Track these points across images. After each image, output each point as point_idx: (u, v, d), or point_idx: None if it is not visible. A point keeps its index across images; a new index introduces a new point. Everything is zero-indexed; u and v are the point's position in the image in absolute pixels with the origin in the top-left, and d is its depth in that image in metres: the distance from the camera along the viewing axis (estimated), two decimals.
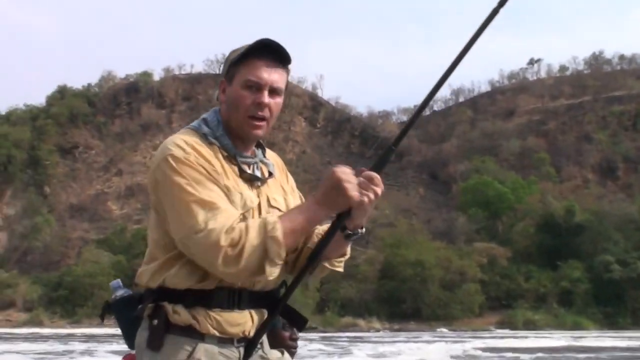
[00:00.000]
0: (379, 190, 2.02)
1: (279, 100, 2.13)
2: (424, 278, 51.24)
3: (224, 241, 1.94)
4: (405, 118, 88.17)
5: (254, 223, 2.00)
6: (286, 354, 2.32)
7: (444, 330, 48.19)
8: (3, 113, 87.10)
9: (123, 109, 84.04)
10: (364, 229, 2.13)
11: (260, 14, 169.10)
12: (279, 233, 1.97)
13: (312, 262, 2.11)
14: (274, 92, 2.12)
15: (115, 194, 73.83)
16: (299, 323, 2.33)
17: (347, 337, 39.40)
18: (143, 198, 72.23)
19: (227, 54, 2.13)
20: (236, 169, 2.14)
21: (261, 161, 2.22)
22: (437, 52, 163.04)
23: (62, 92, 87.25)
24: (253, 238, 1.96)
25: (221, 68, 2.27)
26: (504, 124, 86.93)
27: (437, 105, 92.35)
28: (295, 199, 2.32)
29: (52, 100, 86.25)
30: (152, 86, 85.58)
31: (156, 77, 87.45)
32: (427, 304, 51.79)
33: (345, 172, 2.00)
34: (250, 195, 2.12)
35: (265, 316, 2.17)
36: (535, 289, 58.22)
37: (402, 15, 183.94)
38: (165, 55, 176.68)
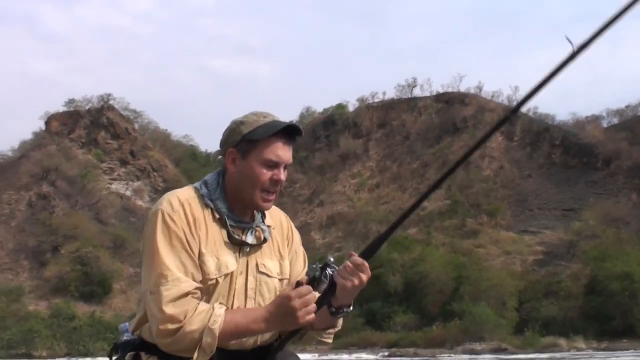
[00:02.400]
0: (364, 278, 2.12)
1: (286, 173, 2.31)
2: (633, 292, 46.98)
3: (167, 310, 2.06)
4: (616, 120, 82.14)
5: (202, 308, 2.11)
6: None
7: None
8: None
9: (322, 142, 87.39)
10: (351, 307, 2.24)
11: (453, 32, 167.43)
12: (216, 327, 2.07)
13: (294, 334, 2.20)
14: (285, 167, 2.29)
15: (317, 224, 76.75)
16: None
17: (550, 358, 37.31)
18: (343, 226, 74.30)
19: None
20: (225, 233, 2.23)
21: (257, 226, 2.31)
22: None
23: None
24: (195, 322, 2.07)
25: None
26: None
27: None
28: (297, 263, 2.44)
29: None
30: (348, 117, 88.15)
31: (351, 107, 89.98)
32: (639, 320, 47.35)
33: (301, 300, 2.09)
34: (227, 260, 2.21)
35: None
36: None
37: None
38: (358, 85, 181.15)
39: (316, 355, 43.53)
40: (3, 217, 74.05)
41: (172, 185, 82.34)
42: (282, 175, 2.26)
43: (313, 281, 2.14)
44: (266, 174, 2.22)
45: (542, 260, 60.87)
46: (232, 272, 2.22)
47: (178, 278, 2.09)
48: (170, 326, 2.06)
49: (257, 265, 2.28)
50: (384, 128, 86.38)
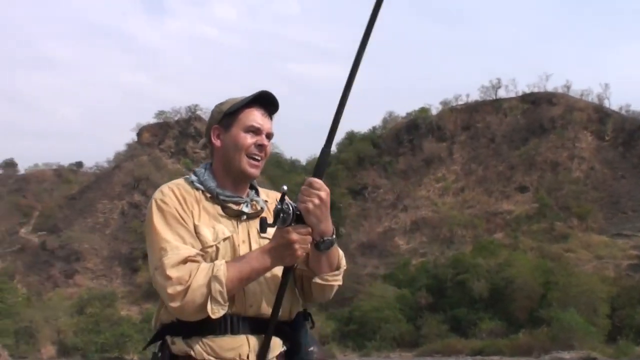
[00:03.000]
0: (322, 194, 2.17)
1: (270, 145, 2.44)
2: None
3: (172, 274, 2.16)
4: None
5: (204, 265, 2.20)
6: None
7: None
8: (303, 163, 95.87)
9: (405, 147, 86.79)
10: (333, 235, 2.28)
11: (537, 30, 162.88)
12: (221, 274, 2.15)
13: (280, 300, 2.25)
14: (268, 137, 2.40)
15: (401, 229, 76.21)
16: (294, 347, 2.38)
17: None
18: (428, 231, 73.49)
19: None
20: (219, 207, 2.35)
21: (252, 199, 2.41)
22: None
23: (350, 138, 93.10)
24: (200, 277, 2.15)
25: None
26: None
27: None
28: None
29: (342, 146, 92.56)
30: (431, 120, 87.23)
31: (434, 111, 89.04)
32: None
33: (301, 235, 2.18)
34: (223, 228, 2.31)
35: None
36: None
37: None
38: (441, 88, 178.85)
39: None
40: (98, 226, 77.37)
41: None
42: (265, 140, 2.36)
43: (278, 215, 2.15)
44: (249, 139, 2.34)
45: (637, 265, 58.37)
46: (232, 239, 2.30)
47: (177, 247, 2.19)
48: (179, 288, 2.14)
49: (258, 232, 2.34)
50: (468, 130, 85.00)
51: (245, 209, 2.35)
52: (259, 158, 2.37)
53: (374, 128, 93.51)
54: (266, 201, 2.45)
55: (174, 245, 2.20)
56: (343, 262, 2.42)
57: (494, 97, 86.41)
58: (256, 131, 2.35)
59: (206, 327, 2.22)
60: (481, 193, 76.53)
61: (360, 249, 75.83)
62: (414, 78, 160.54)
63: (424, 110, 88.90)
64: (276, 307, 2.26)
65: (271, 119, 2.41)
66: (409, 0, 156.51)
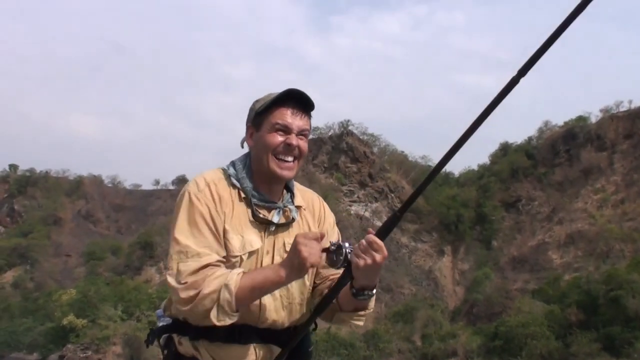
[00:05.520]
0: (377, 257, 2.07)
1: (306, 143, 2.34)
2: None
3: (188, 280, 2.10)
4: None
5: (219, 272, 2.15)
6: None
7: None
8: (456, 175, 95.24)
9: (562, 157, 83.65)
10: (374, 291, 2.23)
11: None
12: (232, 283, 2.10)
13: (318, 313, 2.25)
14: (301, 134, 2.32)
15: (555, 243, 73.52)
16: (299, 357, 2.38)
17: None
18: (584, 245, 70.35)
19: None
20: (250, 212, 2.28)
21: (285, 206, 2.35)
22: None
23: (505, 149, 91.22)
24: (213, 284, 2.10)
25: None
26: None
27: None
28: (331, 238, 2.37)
29: (495, 158, 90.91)
30: (590, 129, 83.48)
31: (593, 119, 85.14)
32: None
33: (306, 238, 2.11)
34: (252, 239, 2.25)
35: (275, 353, 2.30)
36: None
37: None
38: (600, 95, 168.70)
39: None
40: None
41: None
42: (295, 140, 2.27)
43: (340, 257, 2.11)
44: (277, 138, 2.26)
45: None
46: (257, 251, 2.25)
47: (198, 253, 2.13)
48: (192, 292, 2.09)
49: (284, 244, 2.29)
50: (631, 139, 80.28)
51: (276, 218, 2.30)
52: (289, 159, 2.29)
53: (529, 138, 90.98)
54: (299, 207, 2.39)
55: (196, 251, 2.13)
56: (372, 304, 2.33)
57: None
58: (285, 130, 2.26)
59: (215, 333, 2.20)
60: None
61: (512, 263, 74.12)
62: (572, 84, 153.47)
63: (582, 119, 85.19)
64: (306, 324, 2.27)
65: (309, 116, 2.31)
66: None
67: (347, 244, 2.14)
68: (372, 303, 2.33)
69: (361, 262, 2.06)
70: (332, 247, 2.12)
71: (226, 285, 2.07)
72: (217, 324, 2.09)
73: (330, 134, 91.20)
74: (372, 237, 2.07)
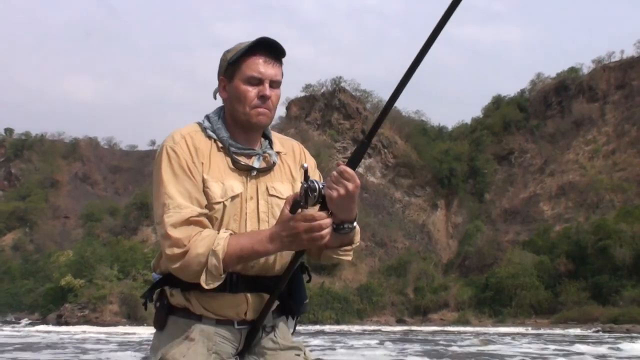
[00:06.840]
0: (350, 186, 2.03)
1: (278, 92, 2.30)
2: None
3: (172, 234, 2.10)
4: None
5: (207, 233, 2.13)
6: (307, 351, 2.37)
7: None
8: (450, 129, 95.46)
9: (554, 109, 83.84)
10: (354, 224, 2.18)
11: None
12: (220, 249, 2.08)
13: (301, 252, 2.19)
14: (273, 84, 2.26)
15: (547, 194, 74.20)
16: (293, 308, 2.39)
17: None
18: (574, 196, 71.06)
19: None
20: (229, 160, 2.25)
21: (264, 152, 2.32)
22: None
23: (497, 102, 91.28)
24: (200, 246, 2.09)
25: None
26: None
27: None
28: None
29: (487, 111, 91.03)
30: (582, 81, 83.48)
31: (585, 70, 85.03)
32: None
33: (307, 224, 2.05)
34: (233, 184, 2.22)
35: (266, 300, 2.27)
36: None
37: None
38: (593, 46, 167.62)
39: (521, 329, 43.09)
40: None
41: (402, 160, 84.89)
42: (268, 91, 2.25)
43: (307, 195, 2.07)
44: (251, 90, 2.24)
45: None
46: (241, 196, 2.24)
47: (179, 205, 2.13)
48: (177, 250, 2.09)
49: (267, 188, 2.28)
50: (622, 89, 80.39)
51: (256, 164, 2.29)
52: (266, 108, 2.26)
53: (522, 91, 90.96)
54: (279, 152, 2.38)
55: (177, 202, 2.14)
56: (357, 238, 2.32)
57: None
58: (258, 82, 2.24)
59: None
60: (634, 155, 72.45)
61: (503, 215, 74.93)
62: (564, 36, 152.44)
63: (574, 70, 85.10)
64: (282, 281, 2.24)
65: (280, 63, 2.29)
66: None
67: (320, 181, 2.12)
68: (357, 237, 2.30)
69: (334, 193, 2.02)
70: (305, 185, 2.06)
71: (214, 252, 2.08)
72: (206, 287, 2.11)
73: (322, 91, 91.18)
74: (343, 167, 2.03)
